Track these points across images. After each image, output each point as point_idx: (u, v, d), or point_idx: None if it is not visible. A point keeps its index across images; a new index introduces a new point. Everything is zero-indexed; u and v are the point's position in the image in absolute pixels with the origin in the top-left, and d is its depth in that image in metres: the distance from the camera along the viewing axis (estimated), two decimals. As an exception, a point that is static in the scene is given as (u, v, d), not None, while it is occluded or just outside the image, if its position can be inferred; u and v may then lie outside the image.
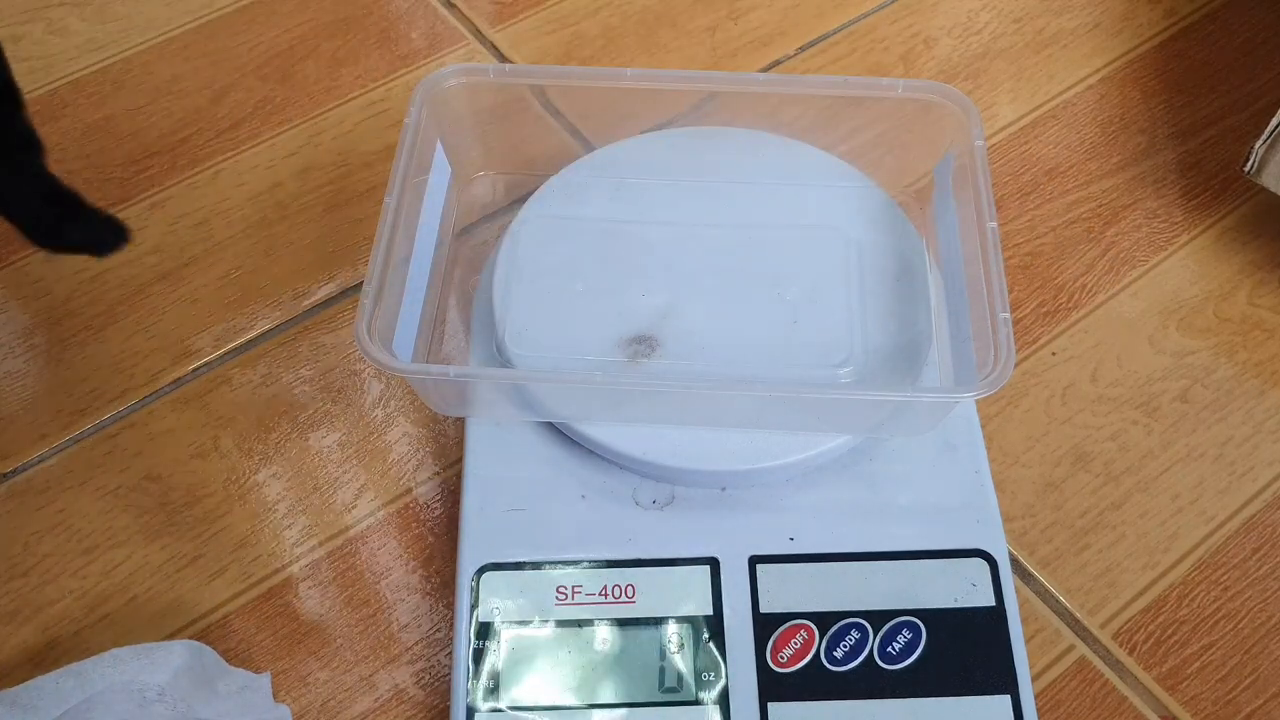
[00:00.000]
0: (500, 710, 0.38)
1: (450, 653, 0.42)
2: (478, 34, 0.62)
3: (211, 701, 0.39)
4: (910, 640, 0.39)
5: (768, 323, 0.43)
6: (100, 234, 0.41)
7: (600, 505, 0.42)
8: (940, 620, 0.39)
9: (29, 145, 0.40)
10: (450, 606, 0.43)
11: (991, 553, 0.41)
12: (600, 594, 0.40)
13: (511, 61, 0.60)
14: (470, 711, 0.38)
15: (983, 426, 0.44)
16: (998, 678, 0.39)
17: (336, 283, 0.52)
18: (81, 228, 0.40)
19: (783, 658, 0.39)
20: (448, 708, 0.39)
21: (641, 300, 0.44)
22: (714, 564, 0.40)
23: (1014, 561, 0.44)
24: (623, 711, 0.38)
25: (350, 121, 0.58)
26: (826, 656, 0.39)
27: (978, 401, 0.44)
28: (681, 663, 0.39)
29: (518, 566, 0.40)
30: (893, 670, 0.39)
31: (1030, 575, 0.44)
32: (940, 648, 0.39)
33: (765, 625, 0.39)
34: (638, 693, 0.38)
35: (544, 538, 0.41)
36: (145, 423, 0.48)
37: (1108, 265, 0.52)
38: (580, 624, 0.39)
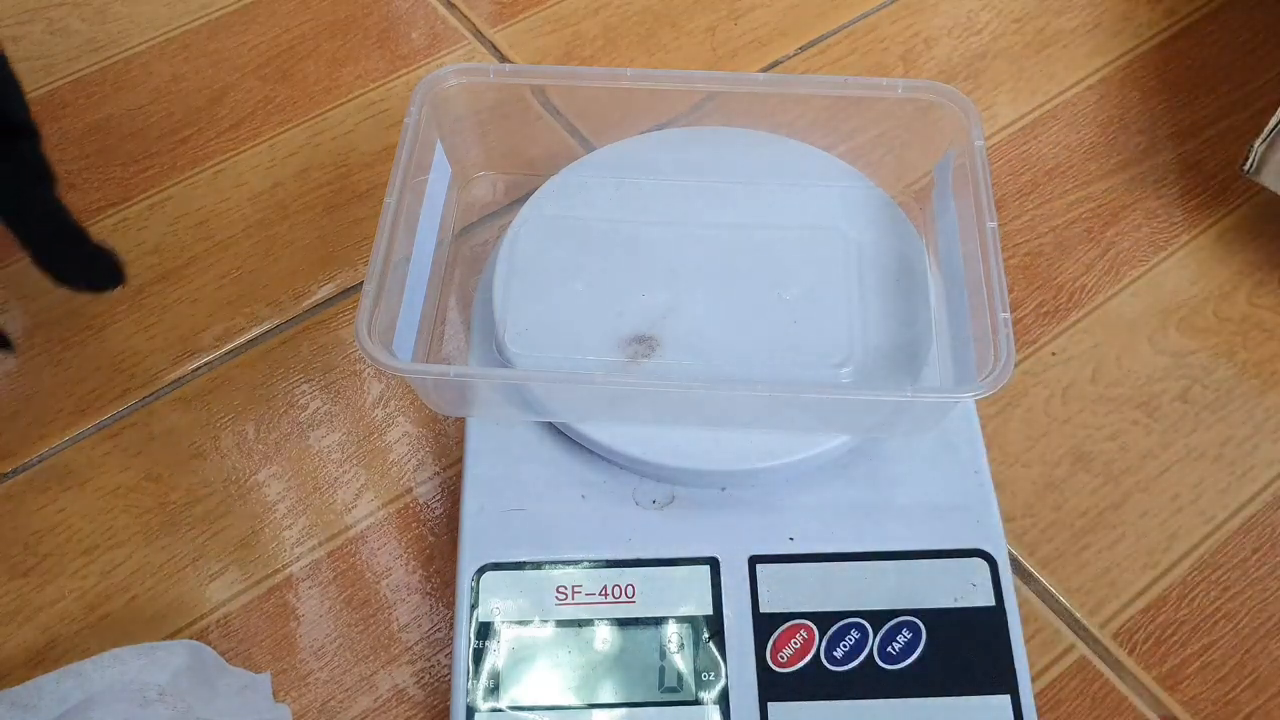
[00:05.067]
0: (500, 710, 0.38)
1: (450, 653, 0.42)
2: (478, 34, 0.62)
3: (211, 701, 0.39)
4: (910, 640, 0.39)
5: (768, 323, 0.43)
6: (97, 275, 0.43)
7: (600, 505, 0.42)
8: (940, 620, 0.39)
9: (43, 178, 0.41)
10: (450, 606, 0.43)
11: (991, 553, 0.41)
12: (600, 594, 0.40)
13: (511, 61, 0.60)
14: (470, 711, 0.38)
15: (983, 426, 0.44)
16: (998, 678, 0.39)
17: (336, 283, 0.52)
18: (82, 266, 0.42)
19: (783, 658, 0.39)
20: (448, 708, 0.39)
21: (641, 300, 0.44)
22: (714, 564, 0.40)
23: (1014, 561, 0.44)
24: (623, 711, 0.38)
25: (350, 121, 0.58)
26: (826, 656, 0.39)
27: (978, 401, 0.44)
28: (681, 662, 0.39)
29: (518, 566, 0.40)
30: (893, 670, 0.39)
31: (1030, 575, 0.44)
32: (940, 648, 0.39)
33: (765, 625, 0.39)
34: (638, 693, 0.38)
35: (544, 538, 0.41)
36: (145, 423, 0.48)
37: (1108, 265, 0.52)
38: (580, 624, 0.39)
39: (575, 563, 0.40)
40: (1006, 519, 0.44)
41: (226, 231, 0.54)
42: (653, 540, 0.41)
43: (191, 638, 0.42)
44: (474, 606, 0.40)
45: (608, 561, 0.40)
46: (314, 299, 0.52)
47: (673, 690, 0.38)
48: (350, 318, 0.51)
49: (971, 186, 0.43)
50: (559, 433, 0.43)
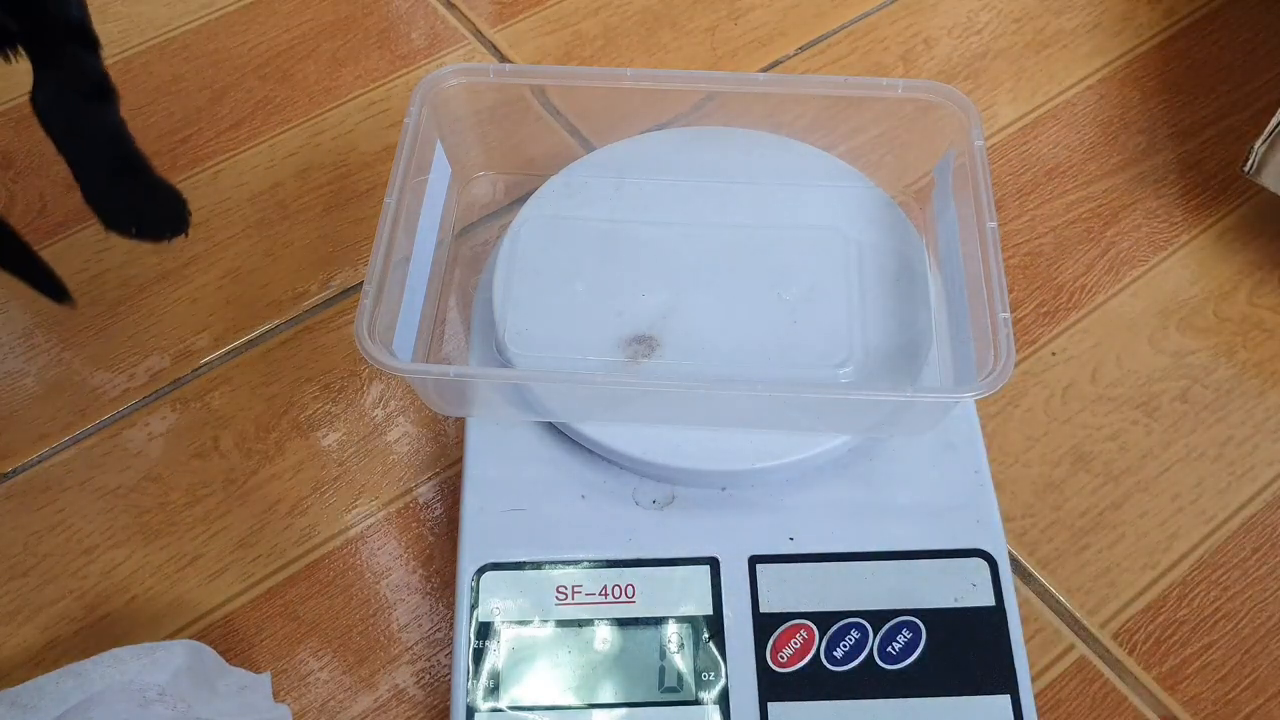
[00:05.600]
0: (500, 710, 0.38)
1: (450, 653, 0.42)
2: (478, 34, 0.62)
3: (211, 701, 0.39)
4: (910, 640, 0.39)
5: (768, 323, 0.43)
6: (156, 218, 0.37)
7: (600, 505, 0.42)
8: (940, 620, 0.39)
9: (101, 92, 0.36)
10: (450, 606, 0.43)
11: (991, 553, 0.41)
12: (600, 594, 0.40)
13: (511, 61, 0.60)
14: (470, 711, 0.38)
15: (983, 426, 0.44)
16: (998, 678, 0.39)
17: (336, 283, 0.52)
18: (139, 204, 0.36)
19: (783, 658, 0.39)
20: (448, 708, 0.39)
21: (641, 300, 0.44)
22: (714, 564, 0.40)
23: (1014, 561, 0.44)
24: (623, 711, 0.38)
25: (350, 121, 0.58)
26: (826, 656, 0.39)
27: (978, 401, 0.44)
28: (681, 662, 0.39)
29: (518, 566, 0.40)
30: (893, 670, 0.39)
31: (1030, 575, 0.44)
32: (940, 648, 0.39)
33: (765, 625, 0.39)
34: (638, 693, 0.38)
35: (544, 538, 0.41)
36: (145, 423, 0.48)
37: (1108, 265, 0.52)
38: (580, 624, 0.39)
39: (575, 563, 0.40)
40: (1006, 519, 0.44)
41: (226, 231, 0.54)
42: (653, 540, 0.41)
43: (191, 638, 0.42)
44: (474, 606, 0.40)
45: (608, 561, 0.40)
46: (314, 299, 0.52)
47: (673, 690, 0.38)
48: (350, 318, 0.51)
49: (971, 186, 0.43)
50: (559, 433, 0.43)
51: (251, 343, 0.50)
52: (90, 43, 0.37)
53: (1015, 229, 0.53)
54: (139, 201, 0.37)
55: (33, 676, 0.37)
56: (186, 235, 0.36)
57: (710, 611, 0.40)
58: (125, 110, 0.58)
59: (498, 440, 0.43)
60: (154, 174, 0.36)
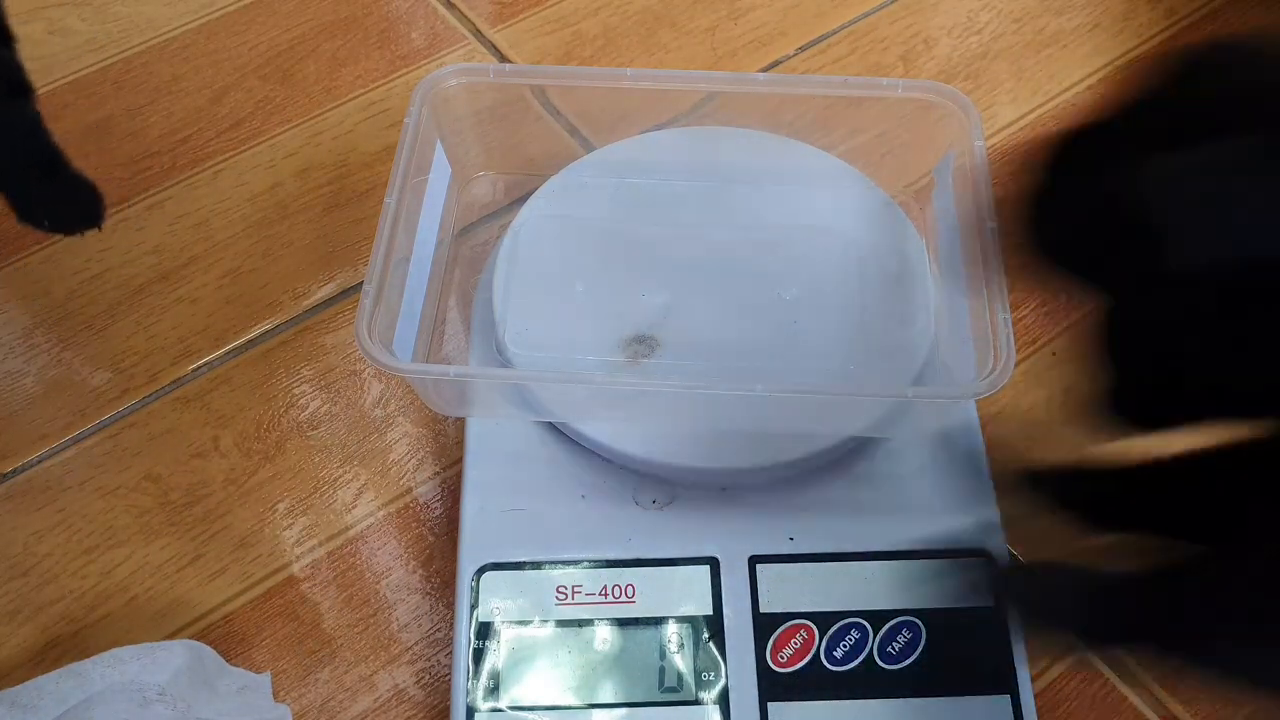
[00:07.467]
0: (500, 710, 0.38)
1: (450, 653, 0.42)
2: (478, 34, 0.62)
3: (211, 701, 0.39)
4: (910, 640, 0.39)
5: (768, 323, 0.43)
6: (70, 212, 0.37)
7: (600, 505, 0.42)
8: (940, 620, 0.39)
9: (15, 89, 0.37)
10: (450, 606, 0.43)
11: (992, 553, 0.41)
12: (600, 594, 0.40)
13: (511, 61, 0.60)
14: (470, 711, 0.38)
15: (983, 426, 0.44)
16: (998, 678, 0.39)
17: (336, 283, 0.52)
18: (54, 199, 0.37)
19: (783, 657, 0.39)
20: (448, 708, 0.39)
21: (641, 300, 0.44)
22: (714, 564, 0.40)
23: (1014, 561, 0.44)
24: (623, 711, 0.38)
25: (350, 121, 0.58)
26: (826, 656, 0.39)
27: (978, 401, 0.44)
28: (681, 662, 0.39)
29: (518, 566, 0.40)
30: (893, 670, 0.39)
31: (1030, 575, 0.44)
32: (940, 647, 0.39)
33: (765, 625, 0.39)
34: (638, 693, 0.38)
35: (544, 538, 0.41)
36: (145, 423, 0.48)
37: (1108, 265, 0.52)
38: (580, 624, 0.39)
39: (575, 563, 0.40)
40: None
41: (226, 231, 0.54)
42: (653, 540, 0.41)
43: (191, 638, 0.42)
44: (474, 606, 0.40)
45: (608, 561, 0.40)
46: (314, 299, 0.52)
47: (673, 690, 0.38)
48: (350, 318, 0.51)
49: (971, 186, 0.43)
50: (559, 433, 0.43)
51: (251, 343, 0.50)
52: (5, 38, 0.37)
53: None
54: (54, 195, 0.37)
55: (33, 676, 0.37)
56: (100, 229, 0.36)
57: (710, 611, 0.40)
58: (125, 110, 0.58)
59: (498, 440, 0.43)
60: (70, 168, 0.37)
